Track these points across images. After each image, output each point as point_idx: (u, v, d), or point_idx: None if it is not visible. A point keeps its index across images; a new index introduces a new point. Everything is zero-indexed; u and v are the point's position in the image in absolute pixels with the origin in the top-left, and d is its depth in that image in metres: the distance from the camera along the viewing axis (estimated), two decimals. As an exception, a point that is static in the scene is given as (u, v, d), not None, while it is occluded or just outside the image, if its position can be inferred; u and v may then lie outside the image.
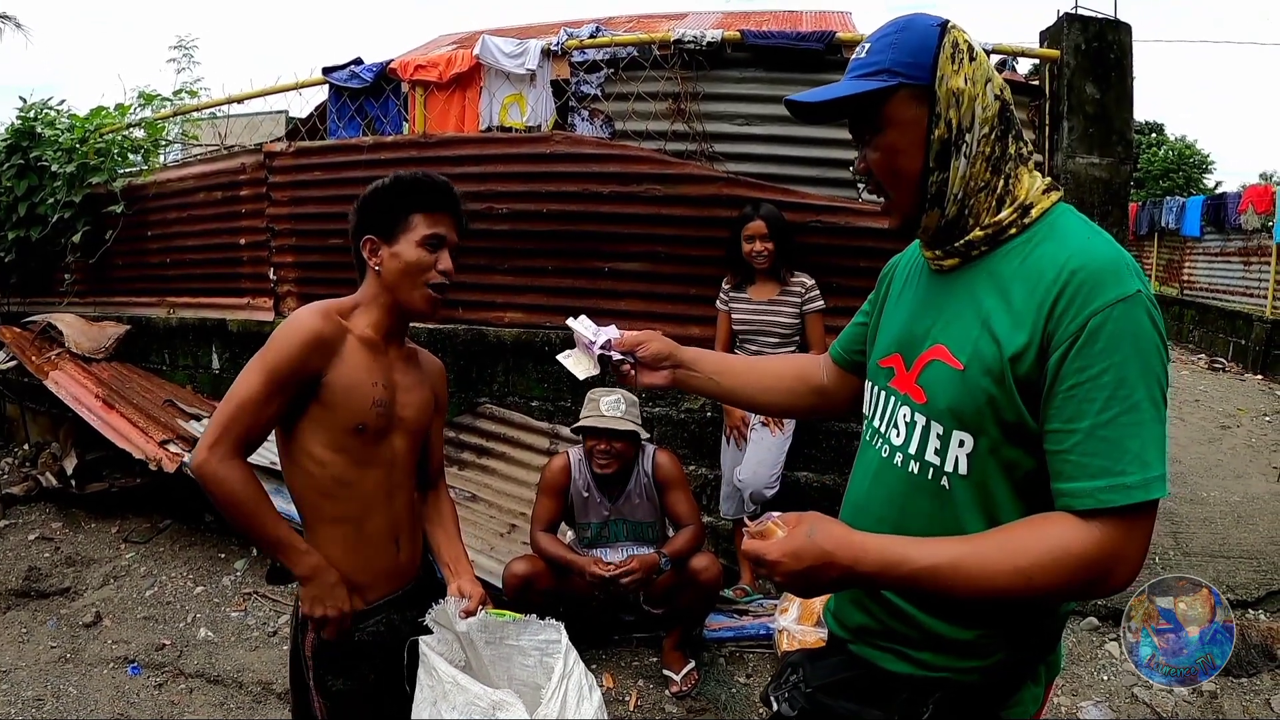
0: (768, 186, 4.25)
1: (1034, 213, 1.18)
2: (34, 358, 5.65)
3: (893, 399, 1.31)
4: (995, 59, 4.97)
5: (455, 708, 1.69)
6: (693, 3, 7.75)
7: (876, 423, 1.35)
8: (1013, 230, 1.18)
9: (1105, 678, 3.41)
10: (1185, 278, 12.82)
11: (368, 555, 1.81)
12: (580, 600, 3.40)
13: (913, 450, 1.24)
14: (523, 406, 4.89)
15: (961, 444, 1.18)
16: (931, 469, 1.22)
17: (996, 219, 1.18)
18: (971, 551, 1.09)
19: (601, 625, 3.65)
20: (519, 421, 4.84)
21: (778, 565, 1.13)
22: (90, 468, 5.52)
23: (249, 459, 1.69)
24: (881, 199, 1.27)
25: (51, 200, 6.11)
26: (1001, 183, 1.19)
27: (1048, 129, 4.33)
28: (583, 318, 1.74)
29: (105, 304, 6.49)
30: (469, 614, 1.86)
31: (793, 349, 3.88)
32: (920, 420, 1.23)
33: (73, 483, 5.42)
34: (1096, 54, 4.22)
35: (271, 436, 1.76)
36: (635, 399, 3.42)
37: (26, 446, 6.59)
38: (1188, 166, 23.84)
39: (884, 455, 1.31)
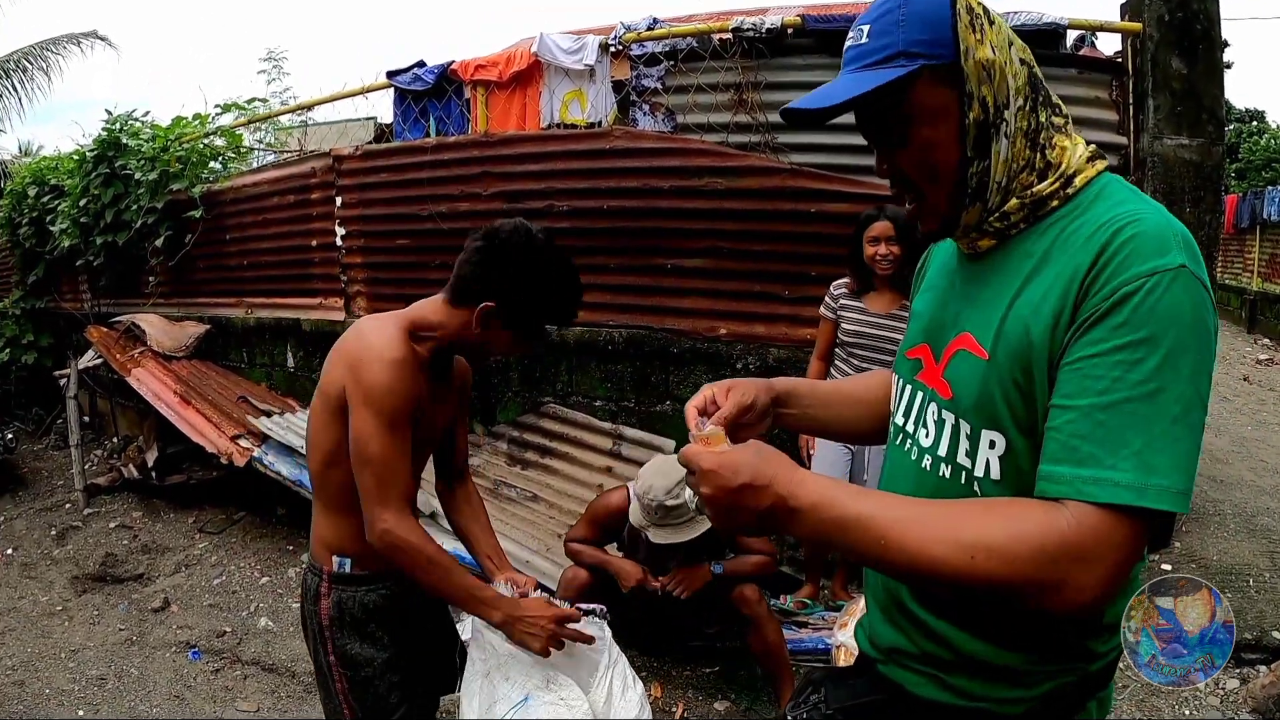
0: (834, 178, 4.09)
1: (1078, 181, 1.04)
2: (118, 355, 5.90)
3: (920, 394, 1.18)
4: (1072, 36, 4.71)
5: (509, 678, 1.74)
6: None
7: (902, 421, 1.22)
8: (1054, 202, 1.05)
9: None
10: (1292, 275, 12.05)
11: None
12: (625, 604, 3.18)
13: (943, 452, 1.11)
14: (586, 406, 4.84)
15: (992, 444, 1.04)
16: (964, 473, 1.08)
17: (1036, 190, 1.05)
18: (915, 515, 0.94)
19: (654, 635, 3.50)
20: (582, 421, 4.80)
21: (710, 475, 0.99)
22: (171, 460, 5.74)
23: None
24: (909, 204, 1.12)
25: (135, 206, 6.41)
26: (1039, 156, 1.05)
27: (1131, 109, 4.05)
28: None
29: (188, 305, 6.75)
30: (523, 595, 1.86)
31: None
32: (949, 418, 1.10)
33: (153, 474, 5.64)
34: (1182, 25, 3.91)
35: (301, 425, 1.74)
36: None
37: (115, 439, 6.91)
38: (1292, 157, 22.42)
39: (913, 458, 1.17)
